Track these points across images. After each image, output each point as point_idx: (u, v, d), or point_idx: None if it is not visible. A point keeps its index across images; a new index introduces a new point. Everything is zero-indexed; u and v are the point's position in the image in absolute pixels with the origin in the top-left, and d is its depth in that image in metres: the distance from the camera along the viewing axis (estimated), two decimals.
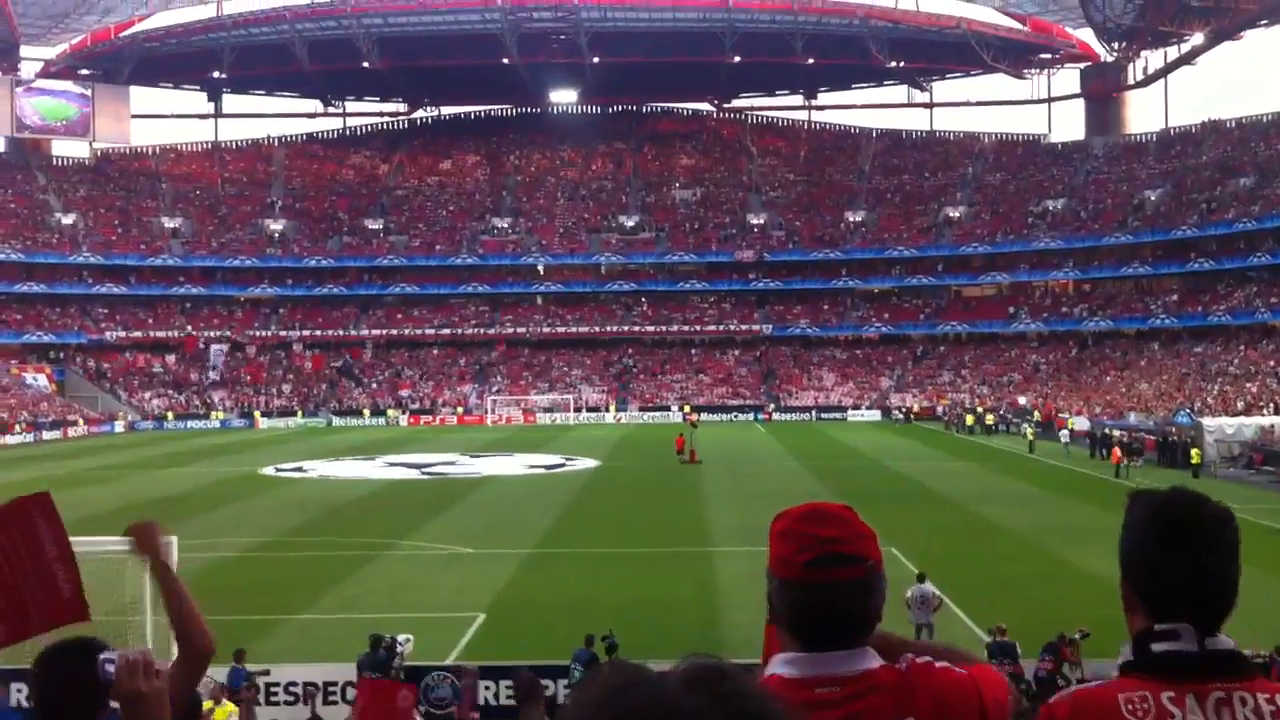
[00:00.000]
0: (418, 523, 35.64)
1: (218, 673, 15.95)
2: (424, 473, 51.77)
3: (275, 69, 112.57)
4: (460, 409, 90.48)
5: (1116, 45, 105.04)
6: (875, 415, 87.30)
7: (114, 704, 3.01)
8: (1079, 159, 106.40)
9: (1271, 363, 73.86)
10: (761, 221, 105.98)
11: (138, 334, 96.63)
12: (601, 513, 38.32)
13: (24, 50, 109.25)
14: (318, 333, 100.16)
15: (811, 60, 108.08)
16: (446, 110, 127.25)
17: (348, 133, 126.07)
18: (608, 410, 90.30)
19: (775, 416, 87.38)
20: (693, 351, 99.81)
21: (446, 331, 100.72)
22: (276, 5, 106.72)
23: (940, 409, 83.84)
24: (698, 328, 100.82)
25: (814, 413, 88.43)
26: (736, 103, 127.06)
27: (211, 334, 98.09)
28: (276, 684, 18.04)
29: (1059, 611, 20.83)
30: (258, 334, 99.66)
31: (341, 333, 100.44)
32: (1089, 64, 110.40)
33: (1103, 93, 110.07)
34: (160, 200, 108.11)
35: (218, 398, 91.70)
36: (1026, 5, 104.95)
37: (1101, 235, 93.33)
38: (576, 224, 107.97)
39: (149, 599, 17.51)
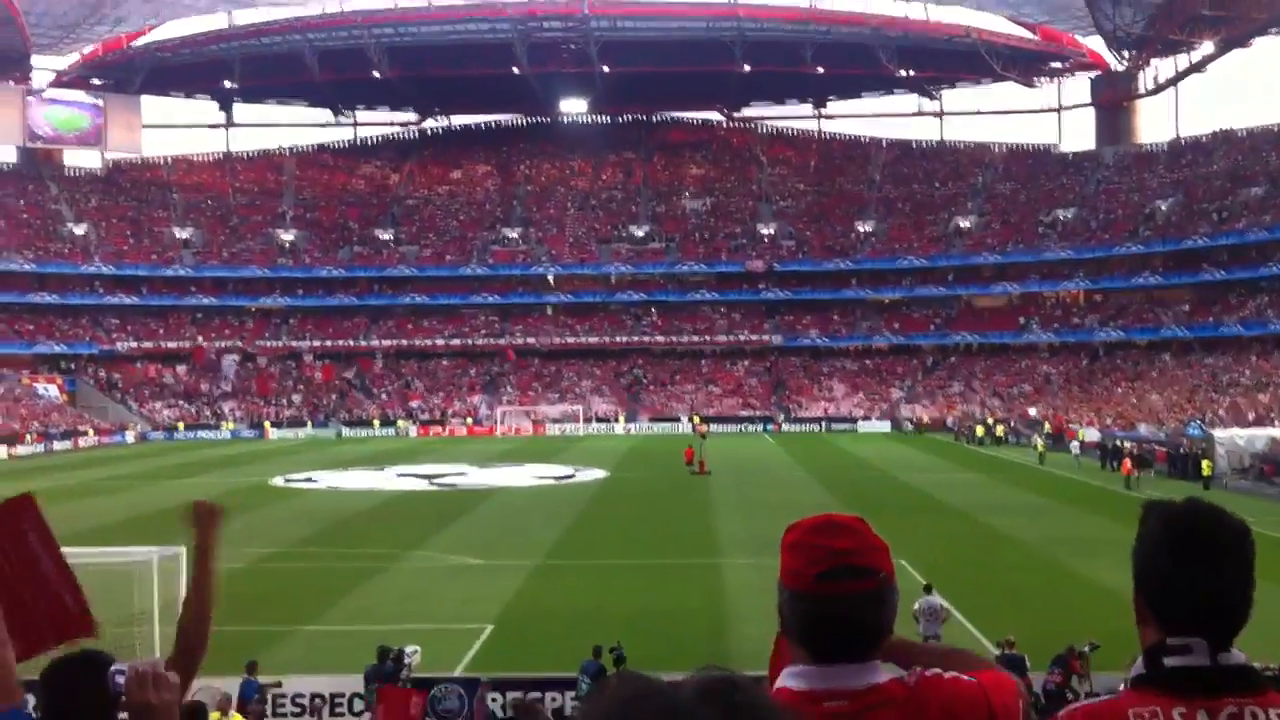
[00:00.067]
0: (427, 534, 35.63)
1: (229, 684, 15.95)
2: (433, 484, 51.79)
3: (286, 79, 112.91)
4: (470, 420, 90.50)
5: (1127, 54, 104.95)
6: (885, 426, 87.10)
7: (123, 716, 2.99)
8: (1089, 168, 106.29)
9: None
10: (771, 231, 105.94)
11: (149, 344, 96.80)
12: (610, 524, 38.29)
13: (36, 60, 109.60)
14: (328, 343, 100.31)
15: (821, 69, 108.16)
16: (457, 120, 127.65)
17: (358, 142, 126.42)
18: (617, 421, 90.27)
19: (785, 427, 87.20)
20: (702, 362, 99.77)
21: (456, 342, 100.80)
22: (288, 15, 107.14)
23: (950, 420, 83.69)
24: (707, 338, 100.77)
25: (824, 424, 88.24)
26: (746, 112, 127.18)
27: (223, 344, 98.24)
28: (284, 695, 18.04)
29: (1068, 623, 20.79)
30: (268, 344, 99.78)
31: (352, 343, 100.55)
32: (1099, 73, 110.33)
33: (1113, 102, 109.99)
34: (172, 210, 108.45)
35: (228, 408, 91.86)
36: (1037, 14, 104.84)
37: (1112, 245, 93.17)
38: (586, 234, 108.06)
39: (157, 610, 17.57)
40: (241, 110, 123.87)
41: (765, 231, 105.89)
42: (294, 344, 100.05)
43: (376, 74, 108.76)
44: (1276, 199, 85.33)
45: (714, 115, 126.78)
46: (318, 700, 18.25)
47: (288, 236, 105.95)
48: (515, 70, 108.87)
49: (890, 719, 2.29)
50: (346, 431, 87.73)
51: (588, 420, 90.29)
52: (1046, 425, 72.02)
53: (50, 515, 3.68)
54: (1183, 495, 2.57)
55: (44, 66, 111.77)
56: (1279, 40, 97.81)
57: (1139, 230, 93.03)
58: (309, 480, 53.25)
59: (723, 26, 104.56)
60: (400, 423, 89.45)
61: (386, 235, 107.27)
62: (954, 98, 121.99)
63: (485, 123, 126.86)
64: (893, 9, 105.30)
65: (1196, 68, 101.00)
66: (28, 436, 75.85)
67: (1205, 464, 46.74)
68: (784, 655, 2.43)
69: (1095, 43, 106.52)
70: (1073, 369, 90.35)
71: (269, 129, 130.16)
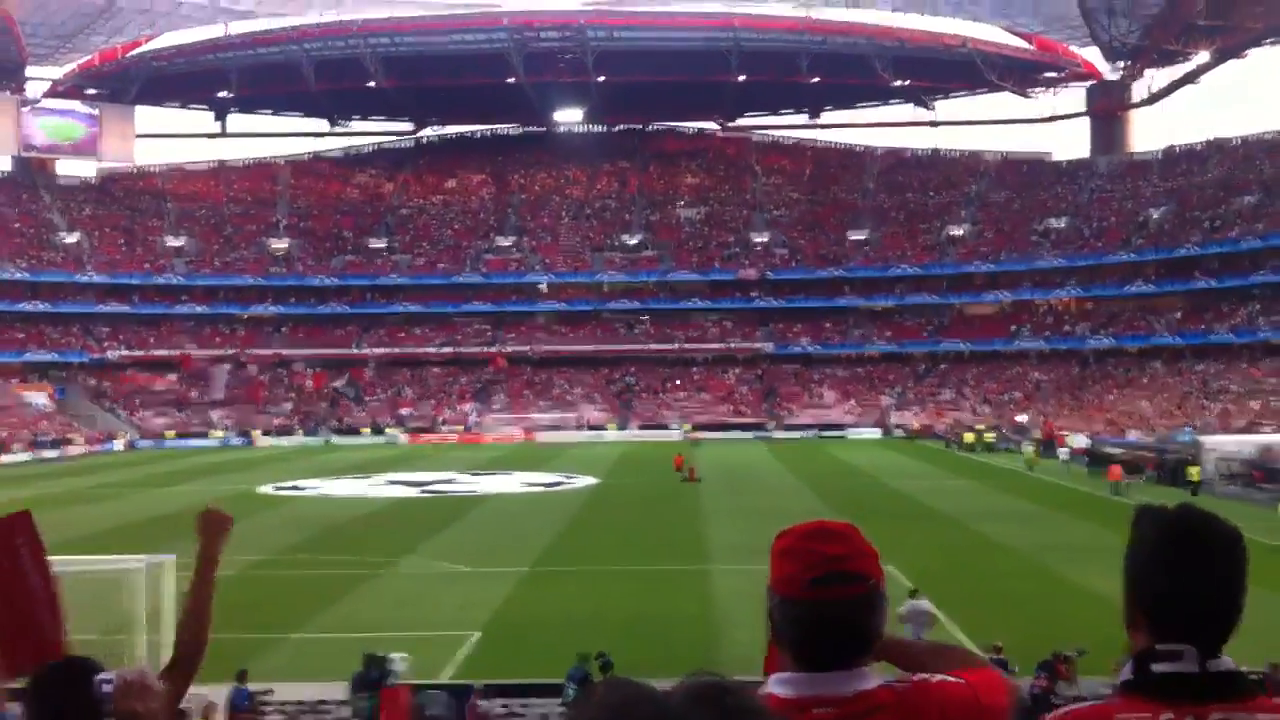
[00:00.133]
0: (416, 541, 35.57)
1: (217, 692, 15.91)
2: (423, 491, 51.68)
3: (282, 88, 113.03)
4: (461, 427, 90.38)
5: (1121, 64, 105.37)
6: (876, 433, 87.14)
7: None
8: (1083, 177, 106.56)
9: (1274, 380, 73.89)
10: (765, 240, 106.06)
11: (140, 352, 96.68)
12: (600, 531, 38.26)
13: (32, 70, 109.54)
14: (320, 351, 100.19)
15: (816, 79, 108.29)
16: (452, 129, 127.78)
17: (353, 152, 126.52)
18: (608, 428, 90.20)
19: (776, 435, 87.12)
20: (694, 370, 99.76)
21: (449, 350, 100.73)
22: (284, 25, 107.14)
23: (941, 427, 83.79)
24: (700, 345, 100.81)
25: (815, 431, 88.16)
26: (741, 121, 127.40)
27: (214, 352, 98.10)
28: (267, 703, 17.99)
29: (1058, 630, 20.81)
30: (260, 352, 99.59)
31: (343, 351, 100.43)
32: (1094, 82, 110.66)
33: (1107, 111, 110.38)
34: (165, 219, 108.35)
35: (217, 416, 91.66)
36: (1032, 24, 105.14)
37: (1104, 253, 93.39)
38: (580, 242, 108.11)
39: (144, 618, 17.50)
40: (236, 120, 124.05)
41: (759, 240, 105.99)
42: (285, 352, 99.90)
43: (372, 84, 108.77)
44: (1268, 207, 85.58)
45: (709, 125, 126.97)
46: (301, 707, 18.23)
47: (281, 245, 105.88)
48: (511, 80, 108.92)
49: None
50: (336, 439, 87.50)
51: (579, 427, 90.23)
52: (1036, 432, 72.14)
53: (39, 524, 3.66)
54: (1171, 501, 2.56)
55: (40, 76, 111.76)
56: (1273, 50, 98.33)
57: (1131, 239, 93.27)
58: (298, 488, 53.14)
59: (719, 37, 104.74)
60: (390, 430, 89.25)
61: (380, 244, 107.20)
62: (948, 107, 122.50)
63: (480, 132, 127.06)
64: (888, 20, 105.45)
65: (1191, 78, 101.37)
66: (15, 444, 75.62)
67: (1193, 470, 46.83)
68: (776, 662, 2.42)
69: (1090, 53, 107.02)
70: (1064, 376, 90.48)
71: (263, 139, 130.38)
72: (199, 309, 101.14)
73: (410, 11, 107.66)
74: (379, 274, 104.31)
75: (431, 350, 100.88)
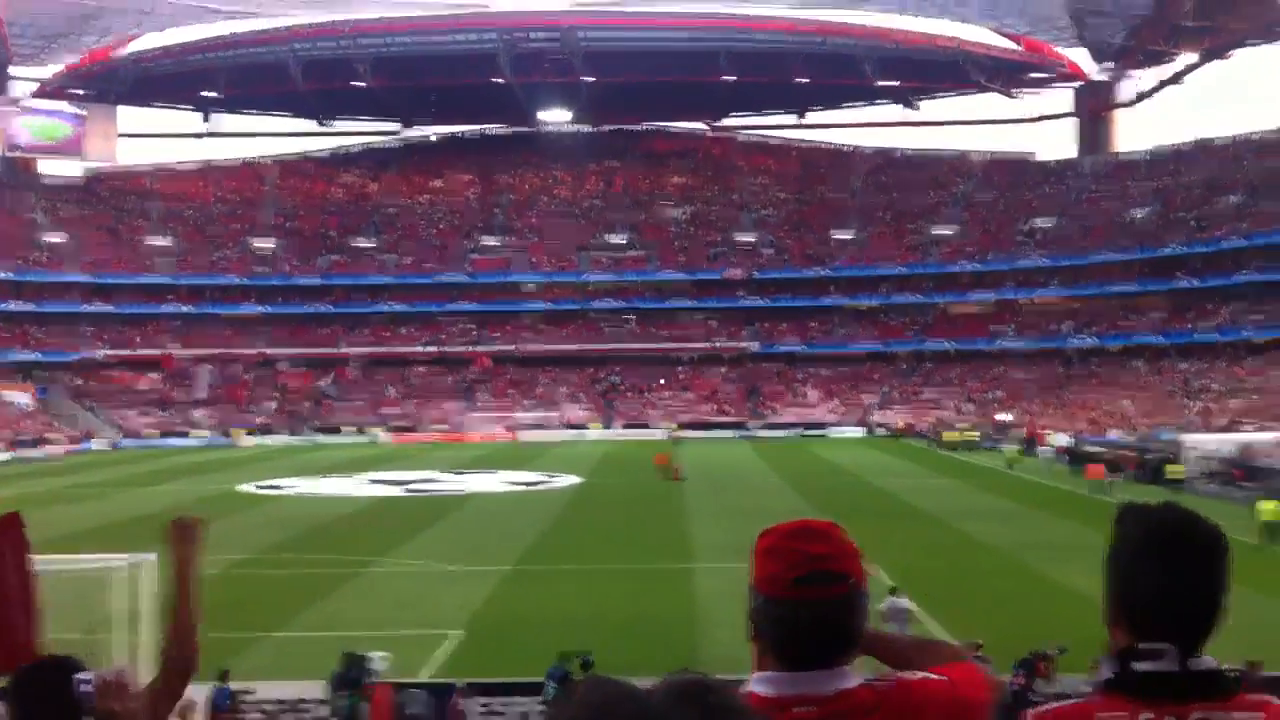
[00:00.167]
0: (399, 540, 35.53)
1: (197, 691, 15.84)
2: (406, 490, 51.60)
3: (269, 88, 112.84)
4: (444, 426, 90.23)
5: (1108, 65, 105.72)
6: (859, 432, 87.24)
7: None
8: (1069, 177, 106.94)
9: (1257, 379, 74.21)
10: (751, 239, 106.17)
11: (124, 352, 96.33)
12: (583, 529, 38.26)
13: (20, 70, 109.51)
14: (304, 351, 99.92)
15: (804, 80, 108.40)
16: (439, 129, 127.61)
17: (340, 152, 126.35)
18: (591, 427, 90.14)
19: (759, 433, 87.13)
20: (679, 369, 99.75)
21: (434, 349, 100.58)
22: (273, 26, 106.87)
23: (924, 426, 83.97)
24: (685, 345, 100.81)
25: (798, 430, 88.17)
26: (728, 121, 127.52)
27: (199, 352, 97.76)
28: (245, 701, 17.95)
29: (1038, 628, 20.89)
30: (244, 352, 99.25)
31: (328, 351, 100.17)
32: (1080, 83, 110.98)
33: (1094, 111, 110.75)
34: (150, 219, 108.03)
35: (199, 415, 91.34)
36: (1020, 25, 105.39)
37: (1089, 253, 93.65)
38: (567, 242, 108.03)
39: (125, 618, 17.43)
40: (223, 119, 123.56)
41: (745, 240, 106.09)
42: (270, 352, 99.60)
43: (360, 84, 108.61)
44: (1252, 207, 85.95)
45: (697, 125, 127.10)
46: (282, 706, 18.20)
47: (267, 245, 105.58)
48: (499, 80, 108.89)
49: None
50: (320, 438, 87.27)
51: (562, 426, 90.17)
52: (1020, 431, 72.40)
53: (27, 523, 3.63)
54: (1151, 499, 2.56)
55: (25, 76, 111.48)
56: (1258, 51, 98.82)
57: (1116, 238, 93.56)
58: (281, 487, 53.01)
59: (708, 38, 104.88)
60: (374, 430, 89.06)
61: (366, 244, 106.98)
62: (935, 107, 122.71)
63: (468, 132, 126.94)
64: (877, 21, 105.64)
65: (1176, 78, 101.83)
66: None
67: (1174, 468, 47.04)
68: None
69: (1077, 53, 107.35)
70: (1047, 375, 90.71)
71: (250, 138, 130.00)
72: (184, 309, 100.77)
73: (400, 12, 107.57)
74: (364, 273, 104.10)
75: (417, 350, 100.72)
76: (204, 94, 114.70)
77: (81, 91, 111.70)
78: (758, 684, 2.32)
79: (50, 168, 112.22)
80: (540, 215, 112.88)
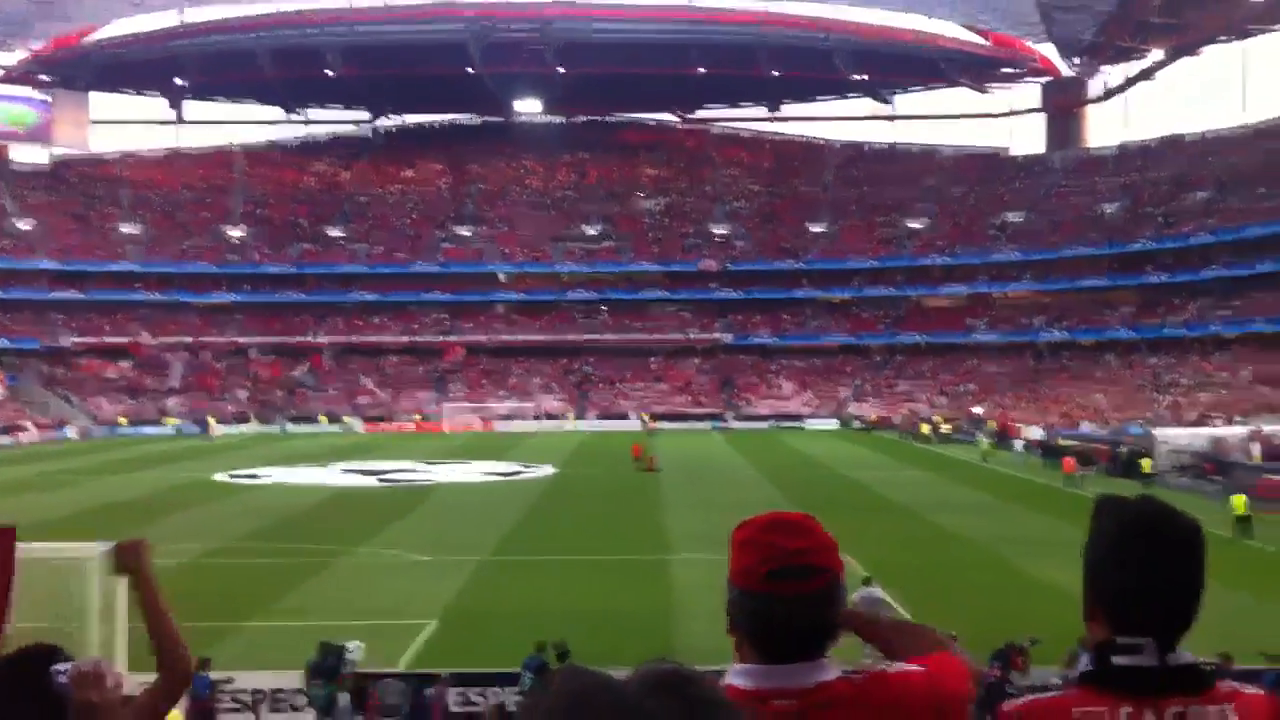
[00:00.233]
0: (373, 530, 35.39)
1: None
2: (380, 480, 51.43)
3: (238, 76, 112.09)
4: (418, 416, 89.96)
5: (1078, 60, 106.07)
6: (833, 424, 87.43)
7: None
8: (1039, 172, 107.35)
9: (1225, 374, 74.69)
10: (724, 232, 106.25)
11: (94, 339, 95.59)
12: (558, 520, 38.20)
13: None
14: (276, 339, 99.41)
15: (776, 72, 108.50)
16: (410, 119, 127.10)
17: (310, 140, 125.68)
18: (566, 417, 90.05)
19: (733, 425, 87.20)
20: (652, 360, 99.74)
21: (406, 339, 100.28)
22: (243, 13, 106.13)
23: (896, 418, 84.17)
24: (658, 336, 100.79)
25: (772, 421, 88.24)
26: (701, 114, 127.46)
27: (169, 340, 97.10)
28: (222, 691, 17.86)
29: (1012, 620, 20.97)
30: (215, 340, 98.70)
31: (300, 339, 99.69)
32: (1050, 79, 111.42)
33: (1064, 107, 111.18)
34: (120, 206, 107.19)
35: (173, 404, 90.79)
36: (991, 21, 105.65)
37: (1060, 247, 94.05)
38: (539, 233, 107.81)
39: (97, 610, 17.35)
40: (192, 107, 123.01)
41: (718, 232, 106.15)
42: (241, 340, 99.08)
43: (330, 72, 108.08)
44: (1220, 203, 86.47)
45: (669, 117, 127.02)
46: (258, 695, 18.12)
47: (237, 233, 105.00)
48: (470, 70, 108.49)
49: (838, 718, 2.28)
50: (292, 428, 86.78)
51: (537, 417, 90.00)
52: (992, 424, 72.61)
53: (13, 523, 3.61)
54: (1123, 492, 2.57)
55: None
56: (1227, 48, 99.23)
57: (1086, 233, 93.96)
58: (254, 476, 52.74)
59: (679, 30, 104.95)
60: (347, 419, 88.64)
61: (337, 233, 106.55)
62: (907, 101, 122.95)
63: (439, 122, 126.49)
64: (848, 14, 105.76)
65: (1146, 74, 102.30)
66: None
67: (1145, 462, 47.31)
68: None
69: (1047, 49, 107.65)
70: (1019, 368, 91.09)
71: (219, 126, 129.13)
72: (154, 296, 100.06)
73: (370, 1, 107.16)
74: (336, 263, 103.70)
75: (389, 339, 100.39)
76: (173, 81, 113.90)
77: (49, 78, 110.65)
78: (736, 676, 2.32)
79: (19, 154, 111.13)
80: (512, 206, 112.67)
